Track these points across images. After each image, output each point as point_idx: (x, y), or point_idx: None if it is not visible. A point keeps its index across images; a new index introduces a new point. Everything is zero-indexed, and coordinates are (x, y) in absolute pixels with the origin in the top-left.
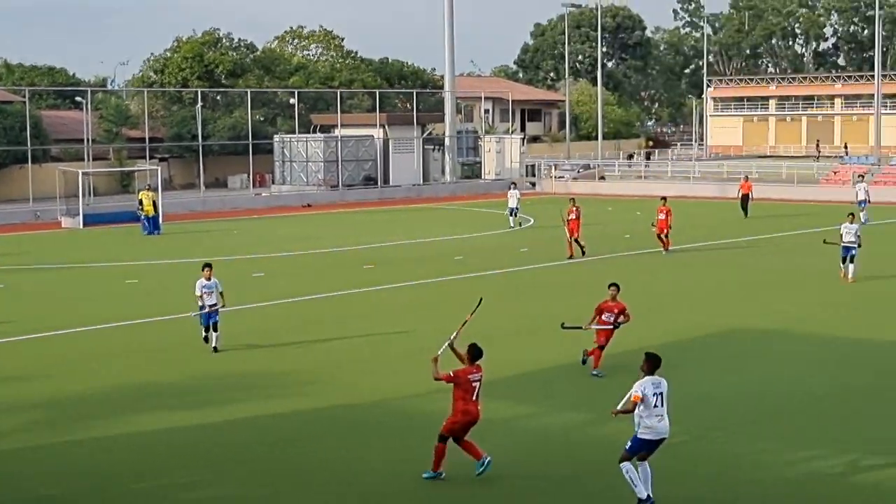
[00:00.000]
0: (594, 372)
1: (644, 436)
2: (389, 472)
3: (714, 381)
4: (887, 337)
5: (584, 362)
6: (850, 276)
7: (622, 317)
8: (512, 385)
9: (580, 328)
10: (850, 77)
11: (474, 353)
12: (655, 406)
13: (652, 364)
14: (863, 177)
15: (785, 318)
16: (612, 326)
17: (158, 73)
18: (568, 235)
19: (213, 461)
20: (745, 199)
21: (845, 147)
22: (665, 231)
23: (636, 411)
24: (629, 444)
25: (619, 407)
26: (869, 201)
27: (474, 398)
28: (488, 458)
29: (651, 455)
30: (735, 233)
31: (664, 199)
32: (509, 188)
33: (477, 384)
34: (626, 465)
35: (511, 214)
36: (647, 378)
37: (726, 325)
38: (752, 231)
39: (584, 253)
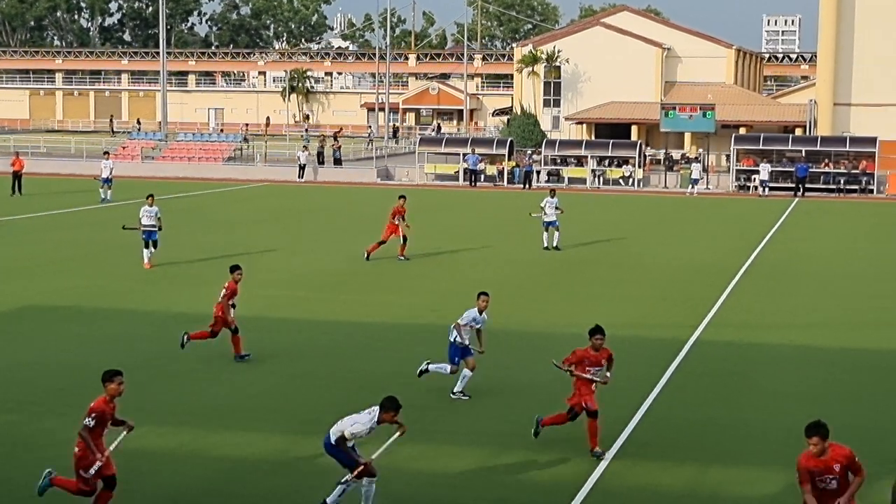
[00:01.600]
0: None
1: None
2: None
3: (7, 361)
4: (175, 309)
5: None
6: (145, 260)
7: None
8: None
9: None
10: (136, 53)
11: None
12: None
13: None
14: (108, 153)
15: (75, 294)
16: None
17: None
18: None
19: None
20: (16, 175)
21: (138, 122)
22: None
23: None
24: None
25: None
26: (112, 179)
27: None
28: None
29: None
30: (15, 210)
31: None
32: None
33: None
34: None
35: None
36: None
37: (16, 304)
38: (42, 208)
39: None
